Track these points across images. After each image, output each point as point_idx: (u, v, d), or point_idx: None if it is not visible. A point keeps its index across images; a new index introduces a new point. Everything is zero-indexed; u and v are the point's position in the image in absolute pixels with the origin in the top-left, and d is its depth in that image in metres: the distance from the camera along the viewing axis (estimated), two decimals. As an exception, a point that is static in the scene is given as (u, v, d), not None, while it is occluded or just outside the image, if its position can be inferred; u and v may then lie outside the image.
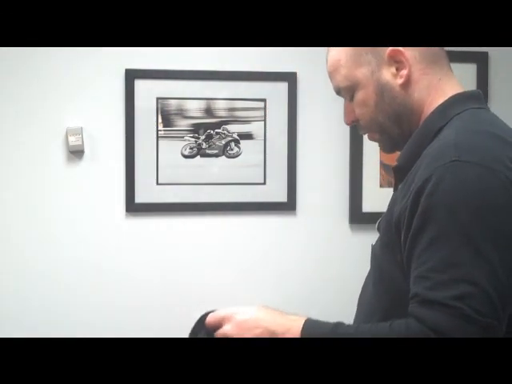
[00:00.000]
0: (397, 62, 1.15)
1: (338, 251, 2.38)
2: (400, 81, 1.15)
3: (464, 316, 0.95)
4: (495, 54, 2.43)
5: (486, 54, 2.42)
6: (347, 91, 1.21)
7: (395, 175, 1.23)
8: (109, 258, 2.27)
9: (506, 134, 1.10)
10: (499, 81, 2.45)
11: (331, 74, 1.23)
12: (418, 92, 1.16)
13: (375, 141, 1.26)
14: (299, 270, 2.36)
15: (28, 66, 2.21)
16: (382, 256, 1.15)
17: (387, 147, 1.27)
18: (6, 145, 2.22)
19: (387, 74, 1.16)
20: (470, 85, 2.38)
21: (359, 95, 1.19)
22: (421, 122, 1.17)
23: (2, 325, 2.20)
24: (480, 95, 1.19)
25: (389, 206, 1.16)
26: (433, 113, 1.15)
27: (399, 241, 1.07)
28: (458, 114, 1.12)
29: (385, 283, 1.14)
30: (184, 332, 2.36)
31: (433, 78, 1.16)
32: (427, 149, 1.10)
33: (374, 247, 1.20)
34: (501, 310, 0.97)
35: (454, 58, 2.33)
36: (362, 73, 1.18)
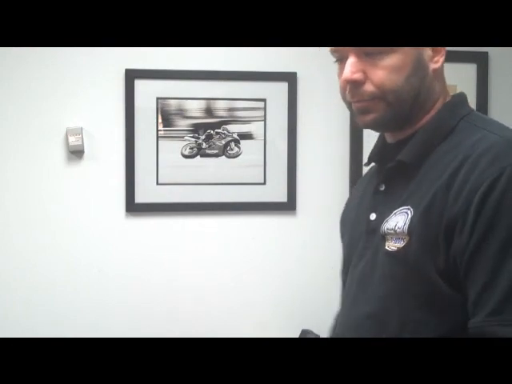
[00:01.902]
0: (434, 49, 1.15)
1: (337, 251, 2.38)
2: (435, 65, 1.15)
3: None
4: (495, 54, 2.43)
5: (486, 54, 2.42)
6: (378, 54, 1.13)
7: (388, 172, 1.17)
8: (109, 258, 2.27)
9: None
10: (499, 81, 2.45)
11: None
12: (438, 85, 1.16)
13: (367, 112, 1.15)
14: (299, 270, 2.37)
15: (28, 66, 2.21)
16: (419, 260, 1.05)
17: (379, 123, 1.17)
18: (5, 145, 2.22)
19: (427, 55, 1.14)
20: (470, 85, 2.38)
21: (394, 59, 1.12)
22: (421, 113, 1.14)
23: (2, 325, 2.20)
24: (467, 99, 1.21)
25: (422, 208, 1.07)
26: (441, 111, 1.14)
27: (446, 246, 1.02)
28: (467, 115, 1.13)
29: (419, 290, 1.06)
30: (184, 332, 2.36)
31: (443, 74, 1.18)
32: (446, 146, 1.09)
33: (395, 252, 1.09)
34: None
35: (454, 58, 2.35)
36: (401, 52, 1.13)
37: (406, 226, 1.07)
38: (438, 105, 1.16)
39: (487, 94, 2.42)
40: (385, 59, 1.12)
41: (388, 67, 1.12)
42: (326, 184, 2.38)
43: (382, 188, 1.18)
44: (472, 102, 2.38)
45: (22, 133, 2.22)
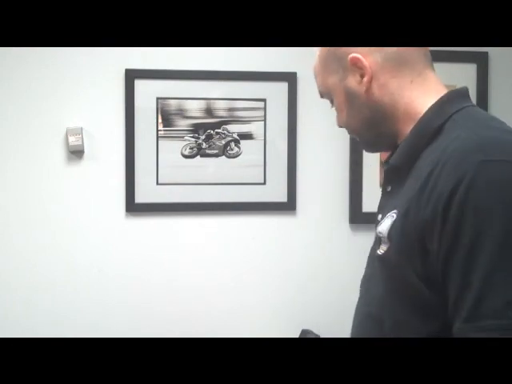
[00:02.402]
0: (359, 69, 1.14)
1: (338, 251, 2.38)
2: (364, 88, 1.15)
3: None
4: (495, 53, 2.43)
5: (486, 54, 2.42)
6: (326, 97, 1.24)
7: (387, 175, 1.20)
8: (109, 258, 2.27)
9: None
10: (499, 81, 2.45)
11: (315, 80, 1.26)
12: (388, 95, 1.14)
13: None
14: (299, 270, 2.37)
15: (28, 66, 2.21)
16: (398, 263, 1.07)
17: (366, 148, 1.28)
18: (5, 145, 2.22)
19: (353, 82, 1.16)
20: (470, 85, 2.38)
21: (335, 102, 1.22)
22: (401, 124, 1.15)
23: (2, 325, 2.20)
24: (468, 92, 1.17)
25: (399, 214, 1.08)
26: (428, 111, 1.12)
27: (421, 251, 1.02)
28: (457, 112, 1.10)
29: (402, 291, 1.08)
30: (184, 331, 2.36)
31: (403, 81, 1.14)
32: (432, 147, 1.08)
33: (382, 256, 1.11)
34: None
35: (454, 58, 2.36)
36: (332, 81, 1.19)
37: (387, 231, 1.09)
38: (412, 108, 1.14)
39: (487, 94, 2.42)
40: (334, 103, 1.23)
41: (336, 109, 1.23)
42: (326, 184, 2.38)
43: (389, 189, 1.19)
44: (472, 101, 2.38)
45: (22, 133, 2.22)
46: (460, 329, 0.96)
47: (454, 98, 1.13)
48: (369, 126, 1.19)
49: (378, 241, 1.13)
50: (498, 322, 0.92)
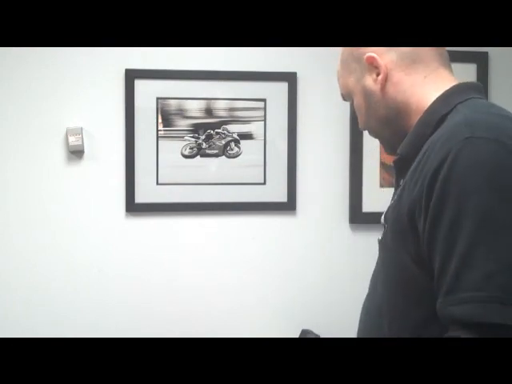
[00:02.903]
0: (375, 68, 1.17)
1: (338, 251, 2.38)
2: (379, 86, 1.18)
3: (493, 299, 0.92)
4: (495, 53, 2.43)
5: (486, 54, 2.42)
6: (348, 98, 1.27)
7: (396, 167, 1.22)
8: (109, 258, 2.27)
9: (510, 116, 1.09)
10: (499, 81, 2.45)
11: (338, 83, 1.30)
12: (402, 93, 1.17)
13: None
14: (299, 270, 2.37)
15: (28, 66, 2.21)
16: (393, 246, 1.10)
17: (386, 148, 1.30)
18: (5, 145, 2.22)
19: (369, 80, 1.19)
20: (470, 85, 2.38)
21: (355, 102, 1.25)
22: (414, 120, 1.16)
23: (2, 325, 2.20)
24: (481, 87, 1.18)
25: (396, 197, 1.12)
26: (434, 102, 1.13)
27: (412, 230, 1.04)
28: (461, 102, 1.11)
29: (397, 276, 1.10)
30: (184, 332, 2.36)
31: (416, 78, 1.16)
32: (433, 136, 1.09)
33: (382, 241, 1.16)
34: None
35: (454, 57, 2.34)
36: (351, 81, 1.23)
37: (383, 216, 1.13)
38: (423, 103, 1.15)
39: (487, 94, 2.41)
40: (354, 104, 1.26)
41: (356, 110, 1.26)
42: (326, 184, 2.38)
43: (401, 183, 1.19)
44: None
45: (22, 133, 2.22)
46: (441, 302, 0.98)
47: (460, 90, 1.14)
48: (385, 125, 1.21)
49: (383, 228, 1.17)
50: (478, 293, 0.93)
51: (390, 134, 1.23)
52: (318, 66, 2.36)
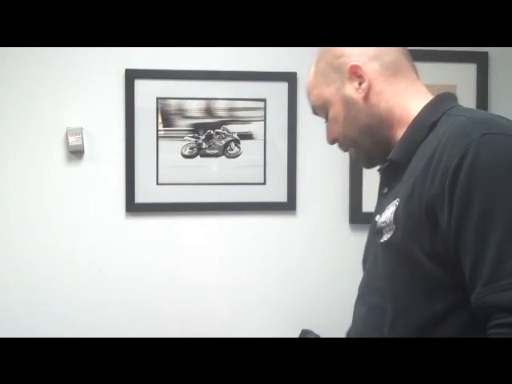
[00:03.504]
0: (358, 77, 1.20)
1: (338, 251, 2.38)
2: (362, 94, 1.20)
3: None
4: (495, 53, 2.43)
5: (486, 54, 2.42)
6: (321, 110, 1.28)
7: (385, 174, 1.24)
8: (109, 258, 2.27)
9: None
10: (499, 81, 2.45)
11: (307, 95, 1.31)
12: (384, 102, 1.20)
13: (354, 157, 1.30)
14: (299, 270, 2.37)
15: (28, 66, 2.21)
16: (405, 245, 1.10)
17: (365, 162, 1.31)
18: (5, 145, 2.22)
19: (351, 89, 1.21)
20: (470, 85, 2.38)
21: (330, 113, 1.26)
22: (396, 129, 1.20)
23: (2, 325, 2.20)
24: (456, 96, 1.23)
25: (402, 198, 1.12)
26: (422, 110, 1.17)
27: (431, 226, 1.05)
28: (448, 109, 1.15)
29: (408, 275, 1.10)
30: (184, 332, 2.35)
31: (398, 88, 1.20)
32: (427, 140, 1.12)
33: (386, 242, 1.14)
34: None
35: (454, 58, 2.36)
36: (329, 91, 1.24)
37: (393, 216, 1.12)
38: (406, 112, 1.19)
39: (487, 94, 2.41)
40: (328, 116, 1.27)
41: (331, 121, 1.27)
42: (326, 184, 2.38)
43: (385, 191, 1.24)
44: (472, 101, 2.37)
45: (22, 133, 2.22)
46: (480, 293, 0.99)
47: (445, 99, 1.19)
48: (366, 134, 1.23)
49: (380, 232, 1.16)
50: None
51: (370, 144, 1.24)
52: (318, 66, 2.35)
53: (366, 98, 1.20)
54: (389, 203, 1.16)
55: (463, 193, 1.00)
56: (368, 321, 1.19)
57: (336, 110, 1.24)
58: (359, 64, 1.19)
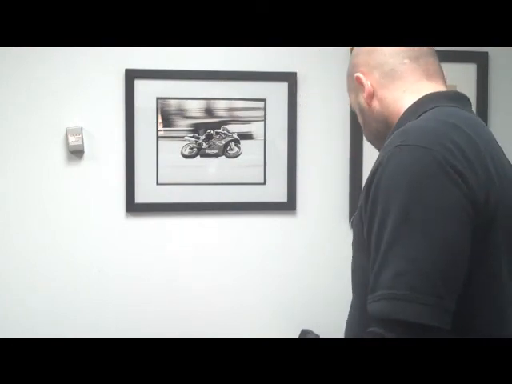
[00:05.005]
0: (363, 86, 1.26)
1: (337, 251, 2.38)
2: (367, 102, 1.27)
3: (399, 296, 0.98)
4: (495, 53, 2.43)
5: (485, 54, 2.42)
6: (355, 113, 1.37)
7: None
8: (109, 258, 2.27)
9: (462, 123, 1.11)
10: (499, 81, 2.45)
11: None
12: (386, 108, 1.24)
13: None
14: (299, 270, 2.36)
15: (28, 66, 2.21)
16: (355, 249, 1.19)
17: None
18: (5, 145, 2.22)
19: (361, 98, 1.28)
20: (470, 85, 2.38)
21: (358, 117, 1.34)
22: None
23: (2, 325, 2.20)
24: (458, 96, 1.22)
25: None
26: (405, 112, 1.20)
27: (363, 232, 1.11)
28: (426, 111, 1.16)
29: (360, 276, 1.16)
30: (184, 332, 2.35)
31: (396, 92, 1.23)
32: None
33: (352, 243, 1.23)
34: (441, 286, 0.99)
35: (454, 58, 2.35)
36: (352, 97, 1.33)
37: (352, 220, 1.21)
38: (401, 113, 1.22)
39: (487, 94, 2.42)
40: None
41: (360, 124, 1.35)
42: (326, 184, 2.38)
43: None
44: (472, 102, 2.37)
45: (22, 133, 2.22)
46: (367, 299, 1.04)
47: (430, 99, 1.20)
48: (378, 138, 1.29)
49: None
50: (388, 291, 1.00)
51: (372, 137, 1.33)
52: (318, 66, 2.35)
53: (370, 105, 1.26)
54: None
55: (371, 203, 1.06)
56: (348, 317, 1.24)
57: (358, 116, 1.33)
58: (360, 75, 1.25)
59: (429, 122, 1.12)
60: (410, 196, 1.01)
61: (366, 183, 1.09)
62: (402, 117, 1.20)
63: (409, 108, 1.20)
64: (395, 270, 1.00)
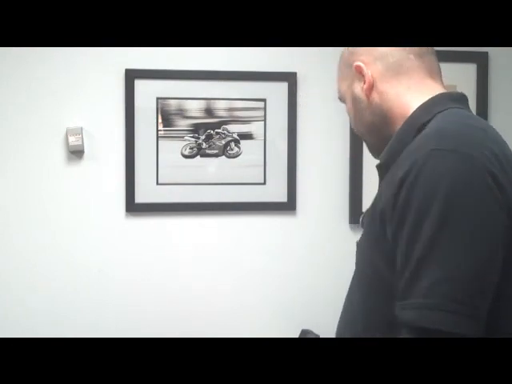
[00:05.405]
0: (363, 76, 1.22)
1: (338, 251, 2.38)
2: (365, 93, 1.23)
3: (436, 306, 0.98)
4: (495, 53, 2.43)
5: (485, 54, 2.42)
6: (343, 101, 1.33)
7: (378, 172, 1.26)
8: (109, 258, 2.27)
9: (485, 127, 1.12)
10: (499, 81, 2.45)
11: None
12: (386, 102, 1.21)
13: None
14: (299, 270, 2.36)
15: (28, 66, 2.21)
16: (367, 248, 1.17)
17: (374, 155, 1.33)
18: (5, 145, 2.22)
19: (358, 88, 1.24)
20: (470, 85, 2.38)
21: (346, 106, 1.31)
22: (397, 128, 1.20)
23: (2, 325, 2.20)
24: (463, 98, 1.22)
25: (374, 201, 1.18)
26: (415, 111, 1.17)
27: (384, 234, 1.08)
28: (441, 111, 1.14)
29: (370, 276, 1.15)
30: (184, 332, 2.35)
31: (400, 88, 1.21)
32: (410, 145, 1.12)
33: (358, 242, 1.22)
34: (478, 297, 0.99)
35: (454, 58, 2.35)
36: (344, 86, 1.29)
37: (361, 219, 1.20)
38: (405, 111, 1.19)
39: (487, 94, 2.42)
40: (346, 107, 1.31)
41: (347, 113, 1.31)
42: (326, 184, 2.38)
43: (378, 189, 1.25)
44: (472, 102, 2.37)
45: (22, 133, 2.22)
46: (397, 306, 1.03)
47: (440, 100, 1.18)
48: (371, 131, 1.26)
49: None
50: (422, 300, 0.99)
51: (375, 140, 1.28)
52: (318, 66, 2.35)
53: (369, 97, 1.22)
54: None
55: (402, 206, 1.03)
56: (346, 316, 1.23)
57: (348, 105, 1.29)
58: (361, 64, 1.21)
59: (460, 126, 1.09)
60: (450, 204, 1.00)
61: (395, 185, 1.05)
62: (412, 116, 1.17)
63: (420, 107, 1.17)
64: (432, 279, 0.99)
